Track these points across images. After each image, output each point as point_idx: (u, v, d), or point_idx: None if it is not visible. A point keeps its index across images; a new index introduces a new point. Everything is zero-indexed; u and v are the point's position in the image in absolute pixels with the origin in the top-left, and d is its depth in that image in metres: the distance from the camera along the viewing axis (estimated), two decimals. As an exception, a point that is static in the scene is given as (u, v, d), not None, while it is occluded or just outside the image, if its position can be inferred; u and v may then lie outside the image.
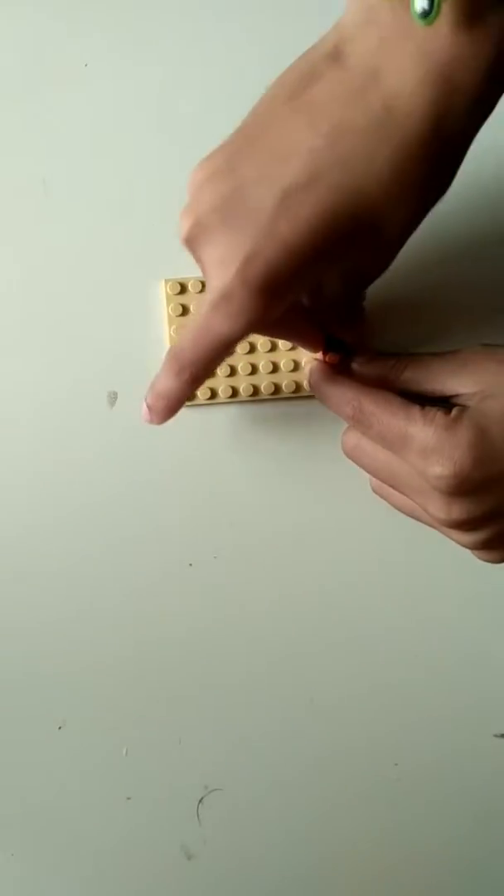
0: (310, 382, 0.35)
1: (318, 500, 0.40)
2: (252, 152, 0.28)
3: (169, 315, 0.39)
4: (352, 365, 0.35)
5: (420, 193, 0.28)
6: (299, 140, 0.27)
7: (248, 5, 0.40)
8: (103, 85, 0.39)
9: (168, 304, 0.39)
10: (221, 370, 0.39)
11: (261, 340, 0.40)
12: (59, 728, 0.41)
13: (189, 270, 0.39)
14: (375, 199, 0.27)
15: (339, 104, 0.27)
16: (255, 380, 0.40)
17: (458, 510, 0.31)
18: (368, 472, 0.35)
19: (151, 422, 0.33)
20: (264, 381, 0.40)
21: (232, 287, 0.28)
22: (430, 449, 0.30)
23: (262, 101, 0.29)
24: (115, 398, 0.40)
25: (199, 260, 0.30)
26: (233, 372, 0.40)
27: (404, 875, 0.42)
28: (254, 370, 0.40)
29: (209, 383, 0.39)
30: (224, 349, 0.30)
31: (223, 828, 0.41)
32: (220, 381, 0.40)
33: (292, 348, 0.40)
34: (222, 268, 0.28)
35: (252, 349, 0.40)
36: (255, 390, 0.40)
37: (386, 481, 0.34)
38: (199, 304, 0.33)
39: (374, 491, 0.37)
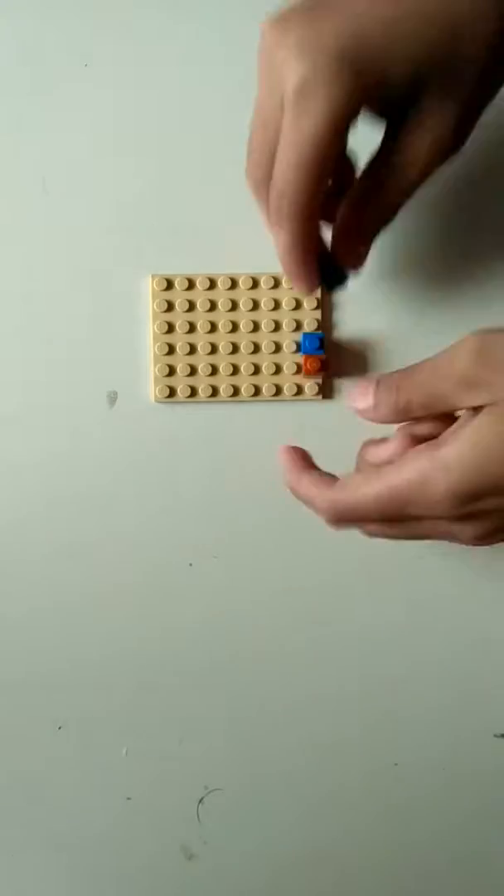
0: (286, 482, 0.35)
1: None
2: None
3: (154, 311, 0.39)
4: (367, 414, 0.33)
5: (500, 23, 0.29)
6: None
7: (249, 5, 0.40)
8: (103, 85, 0.39)
9: (154, 300, 0.39)
10: (224, 369, 0.39)
11: (265, 341, 0.40)
12: (59, 728, 0.41)
13: (177, 268, 0.39)
14: (460, 6, 0.29)
15: None
16: (256, 380, 0.40)
17: (464, 523, 0.30)
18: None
19: (300, 290, 0.34)
20: (266, 383, 0.40)
21: (308, 72, 0.28)
22: (425, 477, 0.29)
23: None
24: (115, 398, 0.40)
25: (273, 65, 0.30)
26: (235, 371, 0.40)
27: (405, 875, 0.42)
28: (256, 370, 0.40)
29: (211, 381, 0.39)
30: (315, 160, 0.29)
31: (223, 828, 0.41)
32: (222, 379, 0.39)
33: (296, 350, 0.40)
34: (300, 55, 0.28)
35: (256, 349, 0.40)
36: (257, 390, 0.40)
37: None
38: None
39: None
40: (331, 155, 0.30)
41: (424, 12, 0.29)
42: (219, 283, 0.39)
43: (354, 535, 0.41)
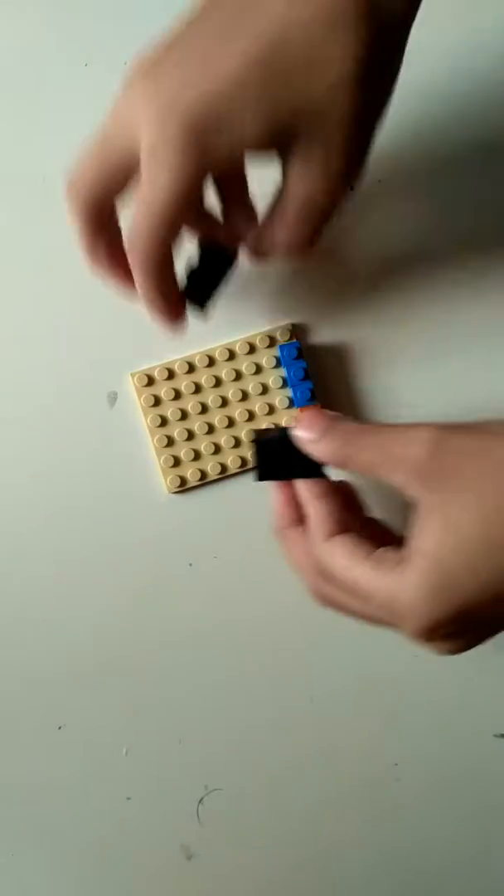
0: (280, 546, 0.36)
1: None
2: (192, 34, 0.31)
3: (143, 407, 0.39)
4: (310, 445, 0.33)
5: (349, 63, 0.28)
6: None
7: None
8: (103, 85, 0.39)
9: (139, 397, 0.39)
10: (226, 443, 0.39)
11: (258, 405, 0.39)
12: (59, 728, 0.41)
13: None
14: (301, 50, 0.28)
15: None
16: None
17: (434, 647, 0.32)
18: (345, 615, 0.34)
19: (162, 326, 0.33)
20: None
21: (157, 139, 0.29)
22: (389, 610, 0.30)
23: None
24: (115, 398, 0.40)
25: (128, 113, 0.30)
26: (237, 443, 0.39)
27: (404, 875, 0.42)
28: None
29: (217, 459, 0.39)
30: (165, 217, 0.30)
31: (223, 828, 0.41)
32: (227, 454, 0.39)
33: (289, 405, 0.39)
34: (154, 119, 0.29)
35: (251, 416, 0.39)
36: None
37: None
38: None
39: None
40: (182, 211, 0.30)
41: (265, 77, 0.28)
42: (196, 362, 0.39)
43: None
